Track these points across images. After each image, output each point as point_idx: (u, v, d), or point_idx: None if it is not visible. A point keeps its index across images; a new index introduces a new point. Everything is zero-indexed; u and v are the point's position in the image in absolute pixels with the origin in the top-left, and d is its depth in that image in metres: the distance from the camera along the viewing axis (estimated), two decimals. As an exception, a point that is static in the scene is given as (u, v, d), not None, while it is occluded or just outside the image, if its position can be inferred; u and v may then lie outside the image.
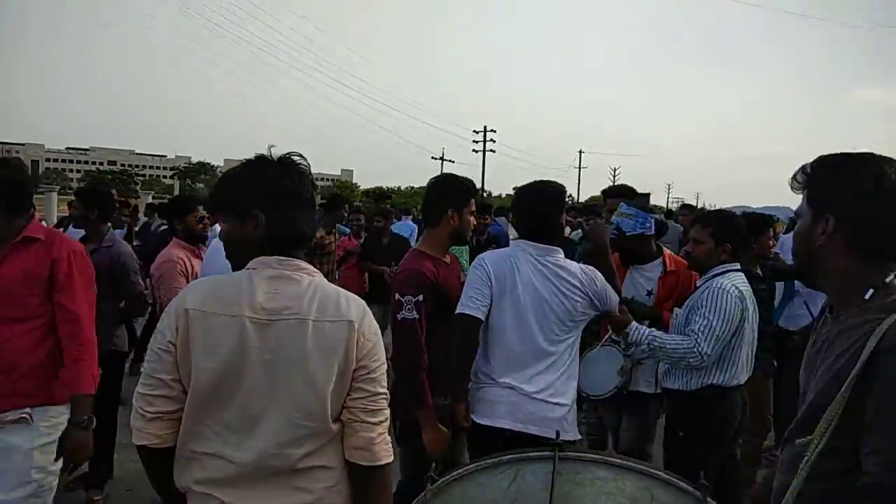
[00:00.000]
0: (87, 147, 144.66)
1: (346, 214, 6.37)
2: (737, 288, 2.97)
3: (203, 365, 1.52)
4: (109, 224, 4.03)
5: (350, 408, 1.58)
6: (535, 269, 2.68)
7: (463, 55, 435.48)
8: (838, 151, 1.53)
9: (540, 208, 2.78)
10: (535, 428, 2.53)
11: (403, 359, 2.63)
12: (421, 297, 2.64)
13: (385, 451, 1.60)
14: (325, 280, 1.66)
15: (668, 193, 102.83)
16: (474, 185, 3.08)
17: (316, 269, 1.67)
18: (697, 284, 3.20)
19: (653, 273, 3.47)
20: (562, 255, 2.76)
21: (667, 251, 3.59)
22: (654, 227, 3.50)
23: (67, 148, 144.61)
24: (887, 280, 1.45)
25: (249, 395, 1.53)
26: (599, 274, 2.80)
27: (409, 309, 2.63)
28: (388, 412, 1.63)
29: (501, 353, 2.67)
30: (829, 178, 1.50)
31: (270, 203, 1.61)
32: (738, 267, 3.16)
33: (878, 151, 1.51)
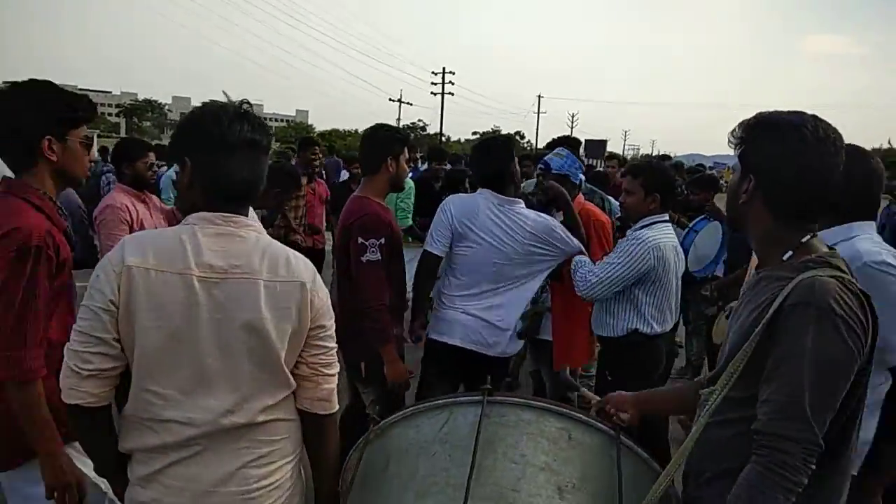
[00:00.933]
0: (25, 80, 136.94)
1: (312, 157, 6.24)
2: (655, 240, 3.09)
3: (149, 325, 1.47)
4: None
5: (310, 363, 1.63)
6: (493, 216, 3.04)
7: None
8: (776, 110, 1.57)
9: (490, 162, 3.16)
10: (481, 347, 3.06)
11: (369, 297, 2.87)
12: (382, 241, 2.88)
13: (337, 400, 1.71)
14: (268, 236, 1.65)
15: (625, 140, 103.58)
16: (408, 135, 3.39)
17: (260, 226, 1.63)
18: (627, 236, 3.30)
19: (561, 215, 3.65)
20: (521, 205, 3.12)
21: (584, 202, 3.77)
22: (579, 177, 3.72)
23: (4, 82, 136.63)
24: (804, 240, 1.52)
25: (201, 356, 1.50)
26: (556, 222, 3.15)
27: (372, 251, 2.86)
28: (338, 363, 1.71)
29: (459, 283, 3.12)
30: (754, 138, 1.55)
31: (197, 149, 1.55)
32: (666, 218, 3.28)
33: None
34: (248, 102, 1.64)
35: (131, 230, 3.39)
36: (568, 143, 4.41)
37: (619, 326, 3.22)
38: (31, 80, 2.02)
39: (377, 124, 3.26)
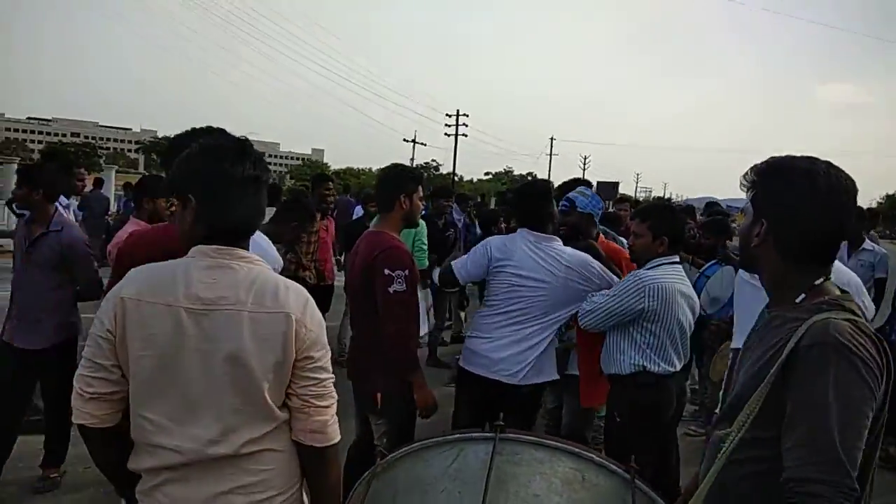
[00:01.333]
0: (49, 118, 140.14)
1: (326, 193, 6.33)
2: (655, 279, 3.07)
3: (140, 354, 1.53)
4: (57, 206, 3.86)
5: (300, 395, 1.61)
6: (531, 251, 3.21)
7: (438, 39, 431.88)
8: (788, 154, 1.58)
9: (530, 203, 3.37)
10: (498, 375, 3.15)
11: (398, 329, 2.92)
12: (407, 272, 2.96)
13: (336, 431, 1.65)
14: (266, 269, 1.65)
15: (637, 183, 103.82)
16: (421, 174, 3.63)
17: (258, 258, 1.65)
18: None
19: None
20: (558, 243, 3.27)
21: (604, 240, 3.81)
22: (601, 216, 3.80)
23: (28, 118, 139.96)
24: (817, 283, 1.51)
25: (187, 385, 1.54)
26: (590, 257, 3.27)
27: (399, 282, 2.92)
28: (335, 394, 1.67)
29: (489, 314, 3.28)
30: (765, 182, 1.56)
31: (204, 187, 1.58)
32: (675, 259, 3.23)
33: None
34: (248, 139, 1.67)
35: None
36: (580, 185, 4.42)
37: (626, 364, 3.16)
38: None
39: (392, 164, 3.45)
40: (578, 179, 4.58)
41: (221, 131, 2.08)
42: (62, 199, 5.18)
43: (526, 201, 3.41)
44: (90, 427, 1.59)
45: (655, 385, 3.12)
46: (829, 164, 1.52)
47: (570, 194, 3.71)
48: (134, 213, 4.21)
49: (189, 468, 1.57)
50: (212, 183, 1.57)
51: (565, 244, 3.37)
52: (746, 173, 1.60)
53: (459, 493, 1.66)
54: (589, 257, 3.27)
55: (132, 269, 1.64)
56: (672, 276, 3.16)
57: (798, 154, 1.58)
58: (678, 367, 3.22)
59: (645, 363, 3.11)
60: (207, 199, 1.58)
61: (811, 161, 1.53)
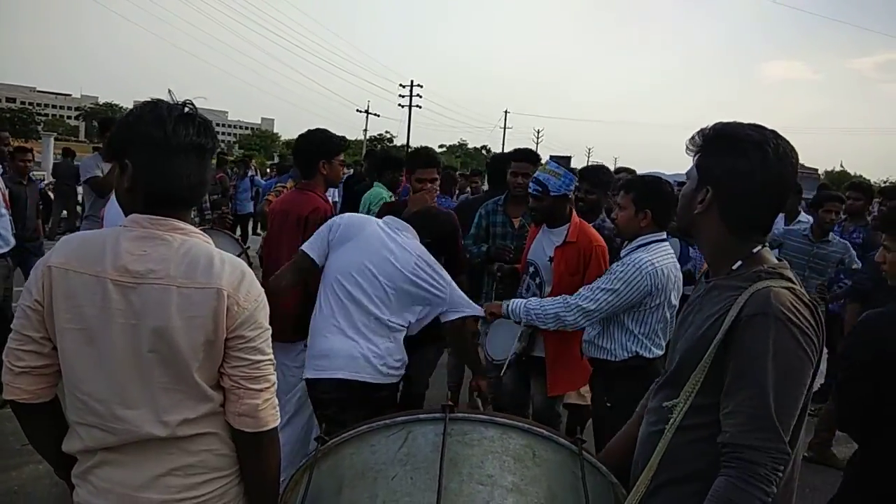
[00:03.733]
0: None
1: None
2: (652, 264, 2.91)
3: (66, 326, 1.46)
4: None
5: (231, 375, 1.53)
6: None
7: (392, 8, 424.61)
8: (735, 121, 1.57)
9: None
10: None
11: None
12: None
13: (272, 416, 1.57)
14: (202, 240, 1.56)
15: (588, 157, 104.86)
16: (344, 140, 3.79)
17: (195, 228, 1.57)
18: (621, 255, 3.11)
19: (558, 238, 3.44)
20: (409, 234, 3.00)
21: (577, 219, 3.49)
22: (572, 188, 3.49)
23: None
24: (755, 251, 1.54)
25: (115, 362, 1.47)
26: (435, 266, 2.93)
27: None
28: (273, 377, 1.59)
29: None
30: (715, 149, 1.55)
31: (139, 151, 1.50)
32: (663, 237, 3.07)
33: (783, 121, 1.57)
34: (192, 103, 1.57)
35: None
36: (531, 159, 4.23)
37: (620, 351, 3.05)
38: None
39: (312, 129, 3.64)
40: (530, 151, 4.40)
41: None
42: None
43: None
44: (22, 403, 1.54)
45: (647, 368, 3.01)
46: (775, 133, 1.55)
47: (539, 175, 3.41)
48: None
49: (124, 449, 1.50)
50: (149, 147, 1.48)
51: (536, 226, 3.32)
52: (693, 137, 1.60)
53: (412, 479, 1.59)
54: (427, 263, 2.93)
55: (63, 238, 1.57)
56: (664, 256, 3.01)
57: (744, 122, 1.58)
58: (664, 350, 3.13)
59: (638, 349, 3.04)
60: (143, 164, 1.49)
61: (759, 130, 1.53)
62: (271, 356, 1.59)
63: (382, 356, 2.82)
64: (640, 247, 3.01)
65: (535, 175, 3.49)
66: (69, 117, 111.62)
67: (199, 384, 1.50)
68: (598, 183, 4.17)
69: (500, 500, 1.57)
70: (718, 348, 1.44)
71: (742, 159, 1.50)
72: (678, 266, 3.11)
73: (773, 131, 1.54)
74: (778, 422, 1.37)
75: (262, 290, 1.59)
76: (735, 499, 1.36)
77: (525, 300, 3.17)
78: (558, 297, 3.08)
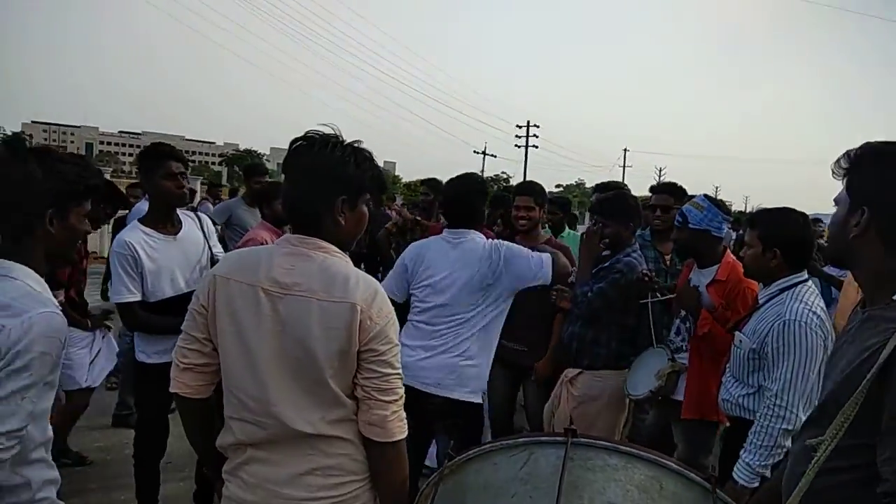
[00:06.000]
0: (139, 131, 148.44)
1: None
2: (814, 314, 2.55)
3: (225, 328, 1.64)
4: None
5: (364, 386, 1.63)
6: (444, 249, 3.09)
7: (508, 49, 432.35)
8: (882, 141, 1.49)
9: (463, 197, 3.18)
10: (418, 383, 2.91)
11: None
12: None
13: (399, 428, 1.66)
14: (341, 259, 1.69)
15: (716, 195, 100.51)
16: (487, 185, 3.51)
17: (336, 249, 1.69)
18: (759, 300, 2.80)
19: (707, 278, 3.31)
20: (474, 235, 3.09)
21: (731, 258, 3.33)
22: (723, 230, 3.28)
23: (120, 131, 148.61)
24: None
25: (264, 363, 1.61)
26: (514, 246, 3.07)
27: None
28: (401, 390, 1.68)
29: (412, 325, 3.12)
30: (868, 167, 1.46)
31: (285, 178, 1.70)
32: (804, 278, 2.72)
33: None
34: (327, 134, 1.69)
35: None
36: (676, 193, 4.18)
37: (753, 406, 2.69)
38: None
39: (468, 175, 3.34)
40: (671, 183, 4.38)
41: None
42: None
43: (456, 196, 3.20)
44: (183, 396, 1.72)
45: None
46: None
47: (684, 206, 3.33)
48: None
49: (271, 447, 1.64)
50: (290, 173, 1.70)
51: (680, 262, 3.22)
52: (840, 160, 1.51)
53: (531, 498, 1.59)
54: (505, 245, 3.07)
55: (229, 252, 1.83)
56: (817, 300, 2.64)
57: None
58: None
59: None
60: (287, 188, 1.72)
61: None
62: (400, 370, 1.68)
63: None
64: (784, 289, 2.68)
65: (680, 208, 3.43)
66: (213, 163, 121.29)
67: (333, 390, 1.62)
68: (610, 212, 3.63)
69: None
70: (872, 385, 1.32)
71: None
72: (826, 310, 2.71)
73: None
74: None
75: (393, 307, 1.70)
76: None
77: (740, 462, 2.57)
78: (755, 436, 2.54)
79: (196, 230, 3.35)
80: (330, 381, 1.61)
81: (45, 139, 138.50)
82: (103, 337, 4.35)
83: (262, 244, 3.56)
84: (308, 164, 1.65)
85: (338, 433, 1.64)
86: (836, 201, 1.54)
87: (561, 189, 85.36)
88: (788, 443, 2.45)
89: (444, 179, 3.84)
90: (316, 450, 1.63)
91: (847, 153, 1.51)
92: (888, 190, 1.42)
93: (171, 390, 1.72)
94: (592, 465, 1.63)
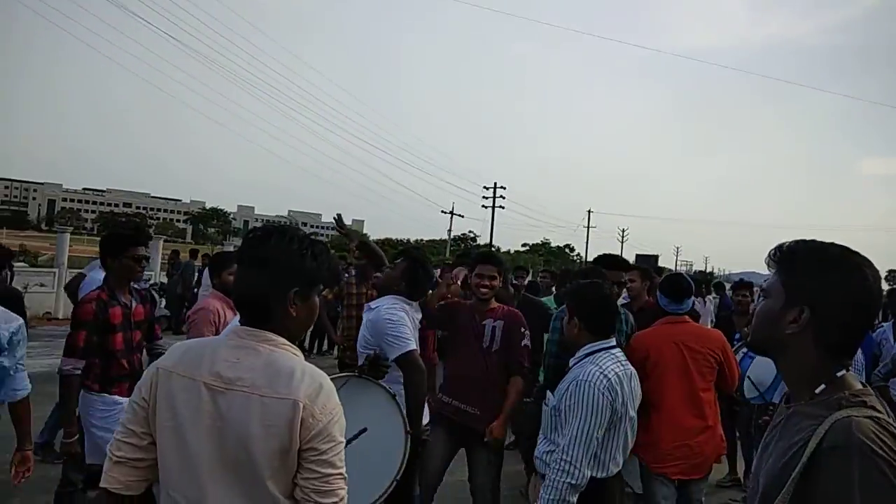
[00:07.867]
0: (103, 189, 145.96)
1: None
2: (605, 377, 2.74)
3: (164, 423, 1.57)
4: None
5: (303, 487, 1.54)
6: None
7: (474, 113, 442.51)
8: (815, 240, 1.51)
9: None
10: None
11: None
12: None
13: None
14: (290, 353, 1.63)
15: (677, 256, 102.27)
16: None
17: (286, 341, 1.63)
18: (570, 364, 2.95)
19: None
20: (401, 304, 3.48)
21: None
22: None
23: (84, 188, 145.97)
24: (839, 375, 1.43)
25: (200, 464, 1.54)
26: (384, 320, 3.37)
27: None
28: (343, 492, 1.58)
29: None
30: (814, 270, 1.45)
31: (238, 268, 1.68)
32: (610, 344, 2.92)
33: (881, 222, 1.58)
34: (282, 223, 1.92)
35: (217, 332, 3.59)
36: (621, 266, 4.41)
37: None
38: None
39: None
40: (612, 256, 4.55)
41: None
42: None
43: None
44: (112, 492, 1.60)
45: (598, 490, 2.81)
46: (860, 254, 1.47)
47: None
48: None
49: None
50: (240, 263, 1.67)
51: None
52: (774, 252, 1.52)
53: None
54: (381, 316, 3.37)
55: (177, 343, 1.71)
56: (612, 362, 2.84)
57: (838, 229, 1.64)
58: (620, 466, 2.94)
59: (595, 472, 2.77)
60: (239, 276, 1.69)
61: (851, 250, 1.47)
62: (342, 470, 1.59)
63: None
64: (587, 356, 2.88)
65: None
66: (178, 220, 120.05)
67: (271, 493, 1.53)
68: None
69: None
70: (798, 483, 1.32)
71: (846, 282, 1.41)
72: (632, 370, 2.95)
73: (856, 251, 1.48)
74: None
75: (340, 404, 1.62)
76: None
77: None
78: (545, 491, 2.70)
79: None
80: (268, 483, 1.53)
81: (7, 196, 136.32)
82: None
83: (212, 313, 3.70)
84: (264, 255, 1.61)
85: None
86: (767, 292, 1.52)
87: (527, 248, 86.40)
88: (574, 499, 2.66)
89: (412, 239, 3.94)
90: None
91: (780, 246, 1.52)
92: (832, 293, 1.41)
93: (101, 485, 1.60)
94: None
